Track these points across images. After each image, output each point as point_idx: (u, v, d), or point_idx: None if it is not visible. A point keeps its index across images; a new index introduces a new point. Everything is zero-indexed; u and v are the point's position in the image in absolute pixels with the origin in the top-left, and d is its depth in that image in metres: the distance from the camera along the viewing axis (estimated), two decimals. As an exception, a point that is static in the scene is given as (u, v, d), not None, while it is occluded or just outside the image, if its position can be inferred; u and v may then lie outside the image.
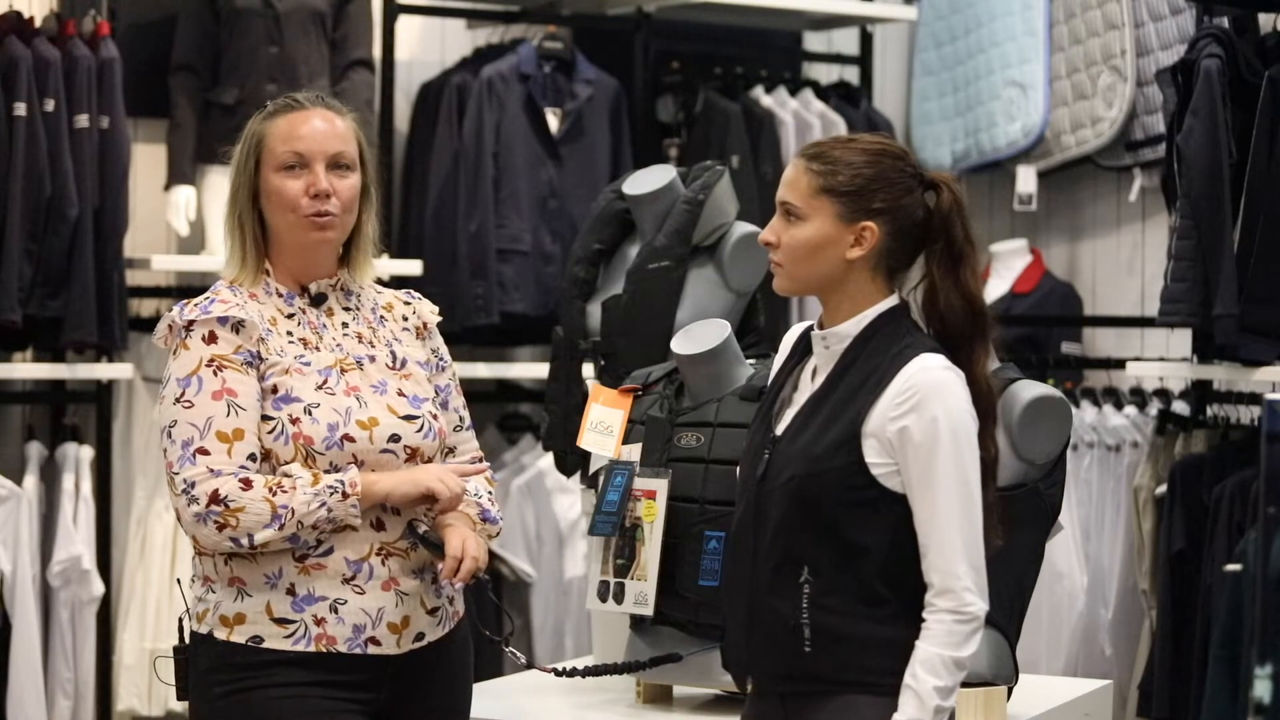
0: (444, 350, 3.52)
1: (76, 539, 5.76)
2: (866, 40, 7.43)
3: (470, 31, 6.90)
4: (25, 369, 5.91)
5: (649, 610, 3.73)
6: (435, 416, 3.39)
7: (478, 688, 4.15)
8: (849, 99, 7.18)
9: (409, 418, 3.35)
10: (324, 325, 3.37)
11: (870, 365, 3.11)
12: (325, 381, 3.31)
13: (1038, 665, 6.12)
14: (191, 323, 3.27)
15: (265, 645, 3.25)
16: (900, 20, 7.39)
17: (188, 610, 3.37)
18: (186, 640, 3.35)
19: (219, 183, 6.13)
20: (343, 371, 3.34)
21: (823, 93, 7.12)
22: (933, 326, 3.16)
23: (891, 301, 3.17)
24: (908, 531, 3.08)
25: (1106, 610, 6.36)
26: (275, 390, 3.28)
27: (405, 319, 3.47)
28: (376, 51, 6.44)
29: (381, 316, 3.45)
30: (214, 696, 3.27)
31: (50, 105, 5.63)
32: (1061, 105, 7.09)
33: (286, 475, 3.24)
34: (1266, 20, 5.74)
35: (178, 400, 3.25)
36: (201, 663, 3.29)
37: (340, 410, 3.29)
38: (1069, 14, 7.09)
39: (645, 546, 3.75)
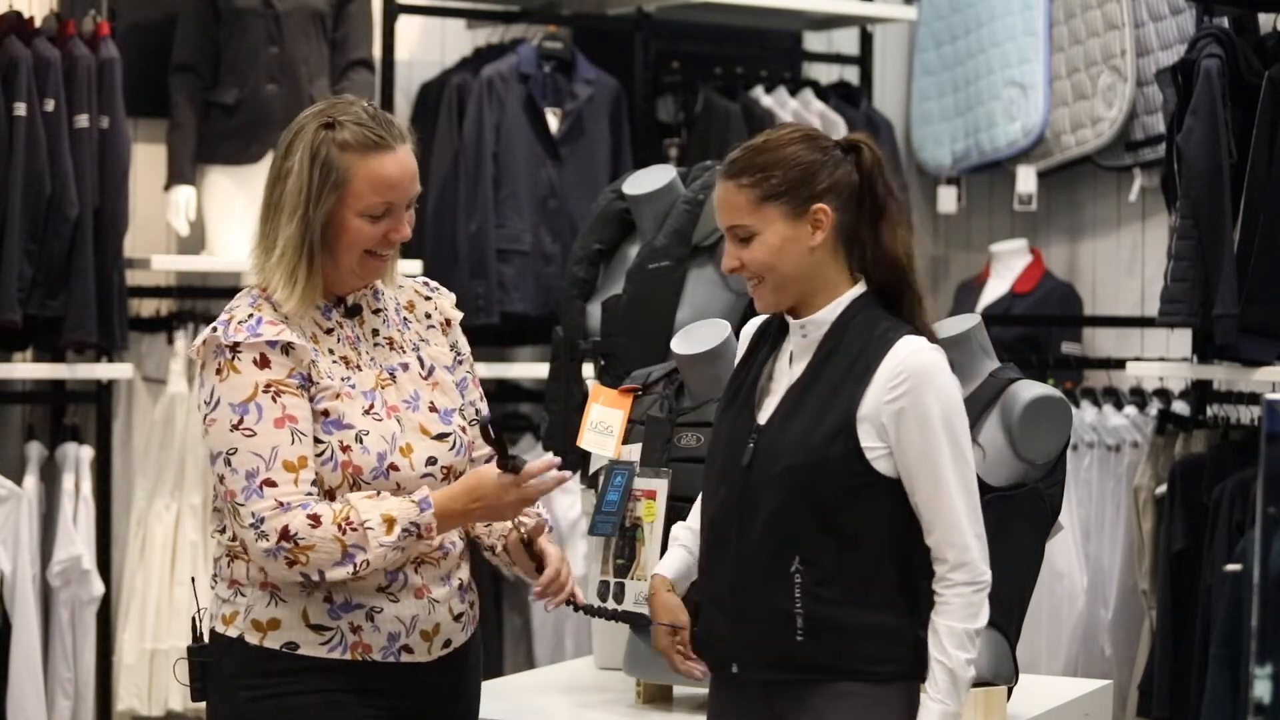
0: (463, 343, 3.47)
1: (76, 539, 5.76)
2: (866, 40, 7.43)
3: (470, 31, 6.91)
4: (25, 369, 5.91)
5: (649, 610, 3.73)
6: (464, 429, 3.36)
7: (478, 687, 4.16)
8: (849, 99, 7.18)
9: (441, 436, 3.31)
10: (359, 338, 3.31)
11: (854, 349, 3.13)
12: (371, 406, 3.25)
13: (1038, 665, 6.12)
14: (237, 344, 3.18)
15: (300, 652, 3.21)
16: (900, 20, 7.39)
17: (200, 610, 3.32)
18: (204, 640, 3.29)
19: (219, 182, 6.14)
20: (381, 389, 3.29)
21: (823, 93, 7.13)
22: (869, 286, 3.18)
23: (861, 288, 3.19)
24: (901, 516, 3.11)
25: (1106, 610, 6.36)
26: (326, 414, 3.21)
27: (428, 315, 3.43)
28: (376, 51, 6.44)
29: (405, 318, 3.39)
30: (242, 700, 3.23)
31: (50, 105, 5.63)
32: (1061, 105, 7.09)
33: (353, 509, 3.16)
34: (1266, 20, 5.73)
35: (236, 428, 3.16)
36: (229, 666, 3.25)
37: (387, 437, 3.24)
38: (1069, 14, 7.09)
39: (645, 546, 3.75)
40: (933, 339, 3.17)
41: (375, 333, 3.33)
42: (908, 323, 3.16)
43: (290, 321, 3.23)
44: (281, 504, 3.14)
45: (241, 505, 3.15)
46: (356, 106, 3.27)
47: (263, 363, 3.18)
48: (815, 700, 3.13)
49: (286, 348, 3.19)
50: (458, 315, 3.48)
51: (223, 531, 3.27)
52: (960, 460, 3.09)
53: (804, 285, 3.17)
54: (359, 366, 3.28)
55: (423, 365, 3.36)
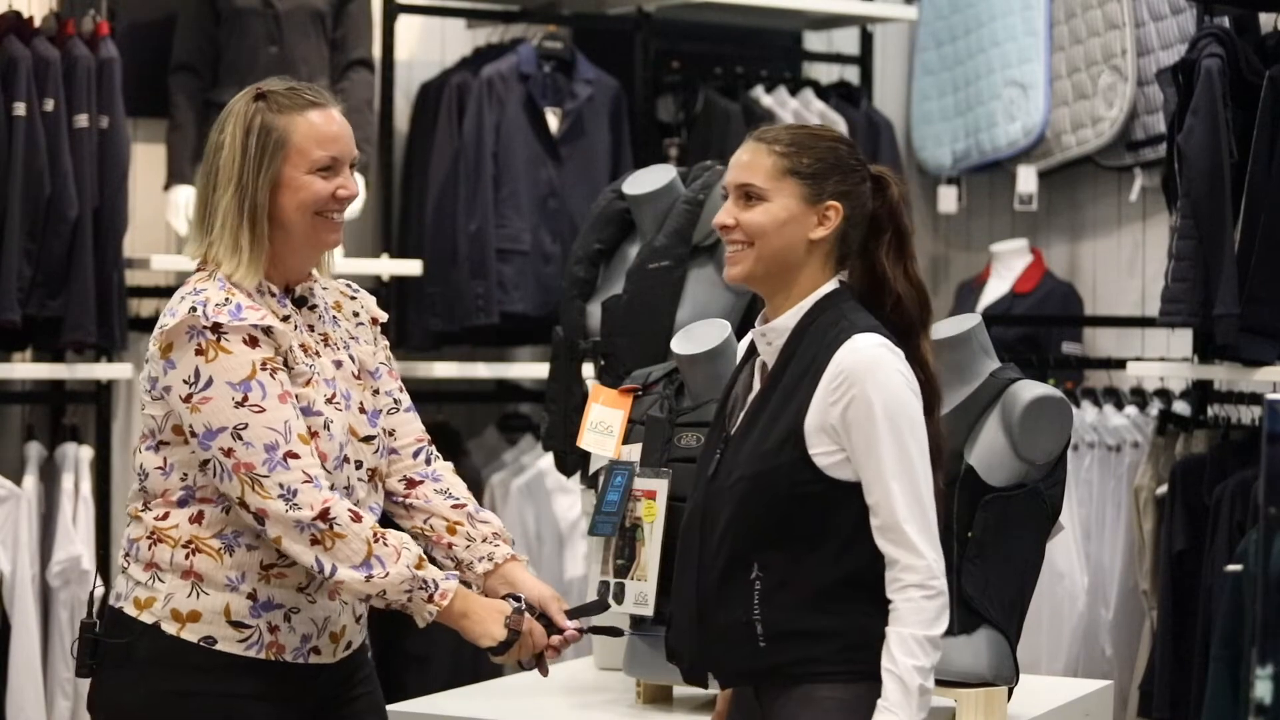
0: (384, 342, 3.46)
1: (76, 539, 5.75)
2: (866, 40, 7.43)
3: (470, 31, 6.90)
4: (25, 369, 5.90)
5: (649, 610, 3.73)
6: (385, 431, 3.37)
7: (479, 688, 4.16)
8: (849, 99, 7.18)
9: (367, 439, 3.31)
10: (307, 328, 3.30)
11: (808, 356, 3.13)
12: (334, 395, 3.26)
13: (1038, 665, 6.12)
14: (220, 325, 3.15)
15: (217, 648, 3.19)
16: (900, 20, 7.39)
17: (96, 586, 3.31)
18: (97, 616, 3.25)
19: (219, 183, 6.13)
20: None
21: (823, 92, 7.13)
22: (879, 315, 3.18)
23: (830, 286, 3.19)
24: (857, 520, 3.09)
25: (1107, 610, 6.35)
26: (297, 399, 3.20)
27: (356, 314, 3.41)
28: (376, 51, 6.44)
29: (335, 316, 3.37)
30: (154, 692, 3.20)
31: (50, 105, 5.63)
32: (1062, 105, 7.09)
33: (392, 532, 3.18)
34: (1267, 20, 5.73)
35: (241, 404, 3.12)
36: (142, 652, 3.21)
37: (344, 428, 3.26)
38: (1069, 13, 7.09)
39: (645, 546, 3.74)
40: (933, 372, 3.17)
41: (311, 328, 3.31)
42: (912, 355, 3.14)
43: (263, 304, 3.21)
44: (310, 477, 3.13)
45: (265, 476, 3.12)
46: (282, 80, 3.30)
47: (251, 343, 3.17)
48: (789, 705, 3.13)
49: (268, 330, 3.18)
50: (383, 315, 3.47)
51: (146, 509, 3.23)
52: (904, 458, 3.07)
53: (784, 272, 3.17)
54: (318, 354, 3.28)
55: (354, 363, 3.35)
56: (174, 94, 6.13)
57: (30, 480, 5.78)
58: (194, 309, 3.16)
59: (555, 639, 3.33)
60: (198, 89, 6.15)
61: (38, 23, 5.75)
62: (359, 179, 3.49)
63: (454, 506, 3.43)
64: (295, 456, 3.14)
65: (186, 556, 3.20)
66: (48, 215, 5.63)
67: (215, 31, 6.16)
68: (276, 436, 3.13)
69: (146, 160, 6.23)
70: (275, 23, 6.14)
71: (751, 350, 3.29)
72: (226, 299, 3.18)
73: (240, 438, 3.13)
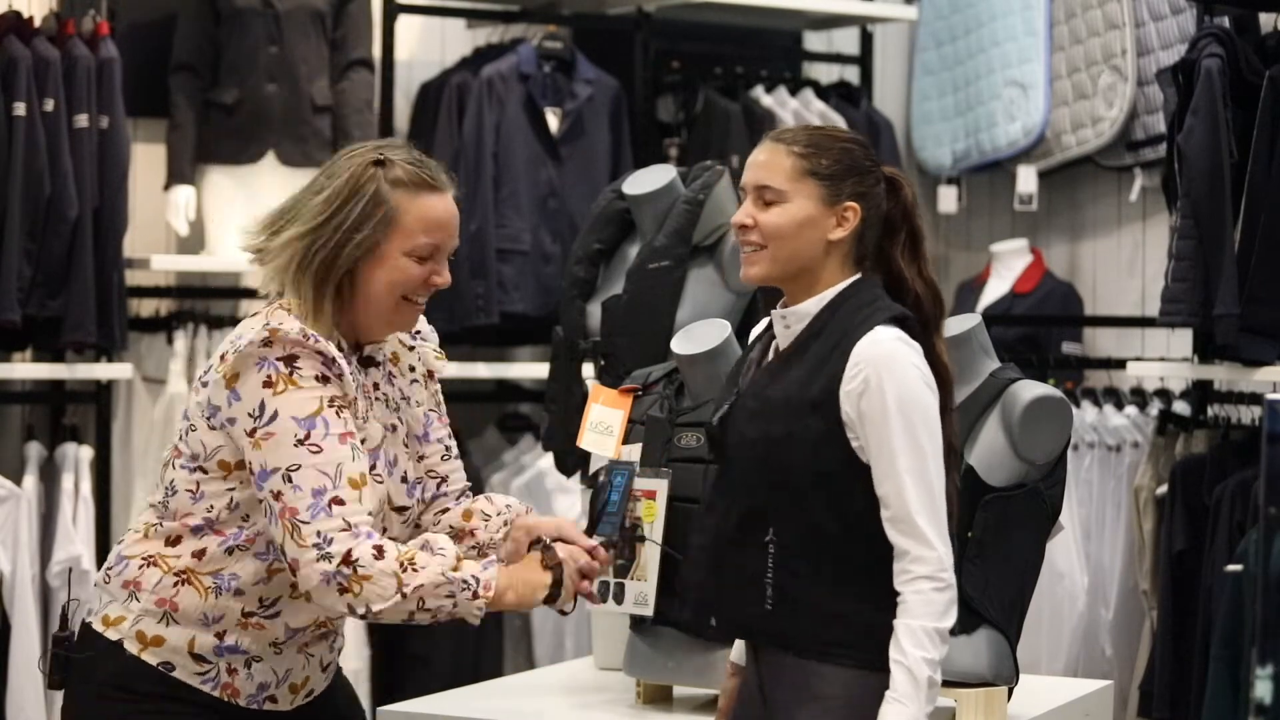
0: (438, 393, 3.41)
1: (76, 539, 5.75)
2: (866, 40, 7.43)
3: (470, 31, 6.91)
4: (25, 369, 5.90)
5: (649, 610, 3.73)
6: (420, 502, 3.34)
7: (479, 688, 4.16)
8: (849, 99, 7.18)
9: (400, 509, 3.28)
10: (372, 386, 3.25)
11: (835, 337, 3.14)
12: (373, 467, 3.19)
13: (1038, 666, 6.12)
14: (294, 356, 3.07)
15: (175, 675, 3.15)
16: (900, 20, 7.39)
17: (71, 600, 3.28)
18: (71, 630, 3.22)
19: (219, 182, 6.13)
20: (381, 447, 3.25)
21: (823, 92, 7.12)
22: None
23: (853, 278, 3.20)
24: (870, 506, 3.11)
25: (1107, 611, 6.36)
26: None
27: (412, 368, 3.36)
28: (376, 51, 6.44)
29: (390, 373, 3.32)
30: (112, 712, 3.16)
31: (50, 105, 5.63)
32: (1062, 105, 7.09)
33: (419, 553, 3.08)
34: (1267, 20, 5.73)
35: (301, 443, 3.04)
36: (103, 669, 3.17)
37: (382, 499, 3.21)
38: (1069, 13, 7.09)
39: (645, 546, 3.74)
40: (946, 369, 3.18)
41: (376, 386, 3.27)
42: (928, 352, 3.16)
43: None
44: (349, 525, 3.04)
45: (306, 523, 3.03)
46: (406, 149, 3.22)
47: (323, 380, 3.10)
48: (785, 675, 3.16)
49: (340, 375, 3.11)
50: (440, 367, 3.41)
51: (159, 525, 3.18)
52: (916, 451, 3.08)
53: (801, 273, 3.19)
54: (366, 419, 3.22)
55: (403, 425, 3.31)
56: (174, 94, 6.14)
57: (30, 480, 5.78)
58: (272, 331, 3.08)
59: (591, 560, 3.25)
60: (198, 89, 6.15)
61: (38, 23, 5.75)
62: None
63: (467, 503, 3.43)
64: (340, 503, 3.05)
65: (174, 585, 3.16)
66: (48, 215, 5.63)
67: (215, 31, 6.16)
68: (326, 480, 3.05)
69: (146, 160, 6.23)
70: (275, 23, 6.14)
71: (761, 337, 3.30)
72: (303, 332, 3.10)
73: (290, 480, 3.05)
